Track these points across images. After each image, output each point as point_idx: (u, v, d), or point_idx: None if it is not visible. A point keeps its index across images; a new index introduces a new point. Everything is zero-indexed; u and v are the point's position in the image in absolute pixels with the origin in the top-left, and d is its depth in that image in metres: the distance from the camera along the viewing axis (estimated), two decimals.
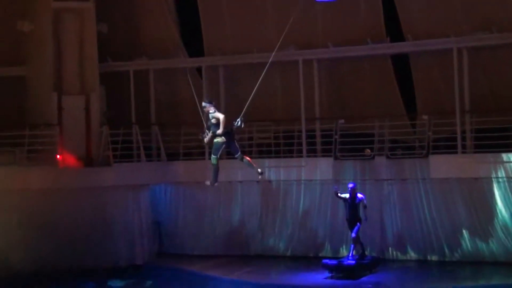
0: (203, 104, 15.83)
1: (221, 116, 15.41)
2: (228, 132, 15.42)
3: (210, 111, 15.61)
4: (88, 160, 22.77)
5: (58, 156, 22.33)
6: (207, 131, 15.71)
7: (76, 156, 22.56)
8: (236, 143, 15.64)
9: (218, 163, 15.66)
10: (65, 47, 23.15)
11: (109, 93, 23.95)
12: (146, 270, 22.10)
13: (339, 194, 19.71)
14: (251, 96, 15.98)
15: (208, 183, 16.00)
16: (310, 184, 22.51)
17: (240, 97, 24.31)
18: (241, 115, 15.47)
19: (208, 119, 15.76)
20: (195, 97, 17.38)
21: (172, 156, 23.90)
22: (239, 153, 15.51)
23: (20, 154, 22.10)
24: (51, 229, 21.57)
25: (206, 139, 15.72)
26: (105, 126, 23.00)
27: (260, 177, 16.02)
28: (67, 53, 23.16)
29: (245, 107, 15.74)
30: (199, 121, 23.47)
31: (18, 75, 23.76)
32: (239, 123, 15.47)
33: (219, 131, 15.35)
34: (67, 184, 21.87)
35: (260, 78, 16.27)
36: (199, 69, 24.56)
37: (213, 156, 15.56)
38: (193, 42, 24.67)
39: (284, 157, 23.30)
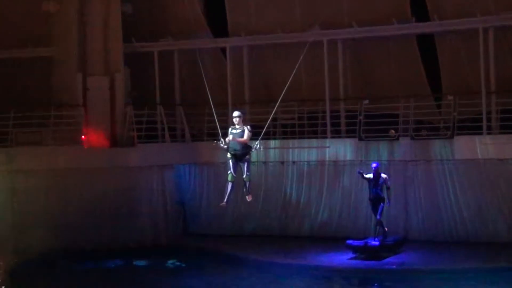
0: (238, 114, 15.20)
1: (246, 138, 14.93)
2: (244, 154, 15.01)
3: (248, 128, 14.94)
4: (112, 140, 22.89)
5: (83, 136, 22.48)
6: (222, 139, 15.33)
7: (101, 136, 22.69)
8: (249, 165, 15.10)
9: (233, 181, 15.06)
10: (90, 27, 23.25)
11: (134, 73, 24.01)
12: (170, 249, 22.23)
13: (364, 175, 19.69)
14: (290, 78, 15.94)
15: (223, 203, 15.32)
16: (334, 165, 22.46)
17: (264, 77, 24.42)
18: (260, 138, 15.27)
19: (234, 128, 15.07)
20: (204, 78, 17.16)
21: (197, 137, 23.96)
22: (248, 174, 15.05)
23: (46, 134, 22.29)
24: (76, 208, 21.76)
25: (223, 143, 15.25)
26: (130, 107, 23.11)
27: (248, 198, 15.38)
28: (92, 33, 23.26)
29: (283, 91, 15.66)
30: (224, 102, 23.74)
31: (44, 55, 23.94)
32: (257, 146, 15.16)
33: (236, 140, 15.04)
34: (92, 164, 22.05)
35: (300, 58, 16.07)
36: (223, 50, 24.53)
37: (229, 173, 15.07)
38: (217, 23, 24.64)
39: (308, 137, 23.28)
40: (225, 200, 15.23)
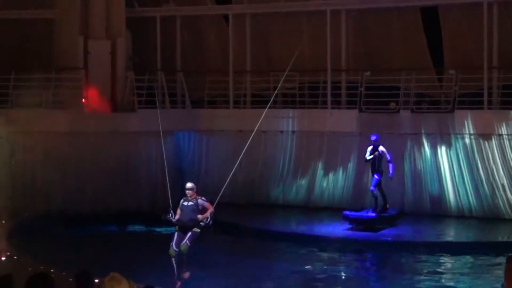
0: (191, 186, 15.22)
1: (210, 211, 15.12)
2: (192, 226, 15.14)
3: (203, 199, 15.19)
4: (113, 105, 22.85)
5: (83, 100, 22.45)
6: (171, 212, 15.11)
7: (101, 100, 22.63)
8: (194, 236, 15.13)
9: (175, 256, 15.15)
10: None
11: (135, 38, 23.89)
12: None
13: (367, 159, 19.67)
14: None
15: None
16: (334, 136, 22.46)
17: (266, 46, 24.32)
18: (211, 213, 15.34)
19: (186, 200, 15.17)
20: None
21: (197, 104, 23.92)
22: (187, 244, 15.05)
23: (46, 97, 22.24)
24: (75, 172, 21.80)
25: (172, 217, 15.14)
26: (131, 72, 23.02)
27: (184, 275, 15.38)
28: None
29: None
30: (225, 70, 23.68)
31: (45, 18, 23.79)
32: (209, 222, 15.12)
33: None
34: (92, 128, 22.04)
35: None
36: (226, 17, 24.41)
37: (171, 246, 15.21)
38: None
39: (309, 108, 23.25)
40: (175, 278, 15.06)
